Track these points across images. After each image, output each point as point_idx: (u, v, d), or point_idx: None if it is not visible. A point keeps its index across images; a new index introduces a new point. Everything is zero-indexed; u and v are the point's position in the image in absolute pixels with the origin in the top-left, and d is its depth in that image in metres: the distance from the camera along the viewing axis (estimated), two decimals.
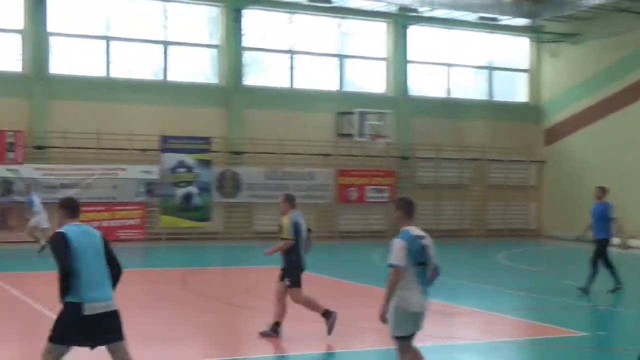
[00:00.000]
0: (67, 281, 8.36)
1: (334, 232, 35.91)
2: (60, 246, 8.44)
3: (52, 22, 32.49)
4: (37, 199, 26.85)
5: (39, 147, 31.62)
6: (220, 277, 23.66)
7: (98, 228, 30.66)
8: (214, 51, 35.79)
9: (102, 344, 8.64)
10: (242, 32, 35.56)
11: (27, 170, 30.92)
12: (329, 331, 13.27)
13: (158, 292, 19.47)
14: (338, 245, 33.16)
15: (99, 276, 8.56)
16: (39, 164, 31.42)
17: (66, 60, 33.14)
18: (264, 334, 13.40)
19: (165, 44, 34.67)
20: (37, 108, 31.92)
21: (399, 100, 38.36)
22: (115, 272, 8.85)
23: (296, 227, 13.41)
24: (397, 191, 36.93)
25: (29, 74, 32.08)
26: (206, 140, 34.00)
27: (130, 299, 17.93)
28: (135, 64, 34.38)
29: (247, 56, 36.32)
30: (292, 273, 13.45)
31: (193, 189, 33.43)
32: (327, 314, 13.33)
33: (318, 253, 31.15)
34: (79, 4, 33.23)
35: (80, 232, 8.65)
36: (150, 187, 32.94)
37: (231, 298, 18.25)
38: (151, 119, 33.24)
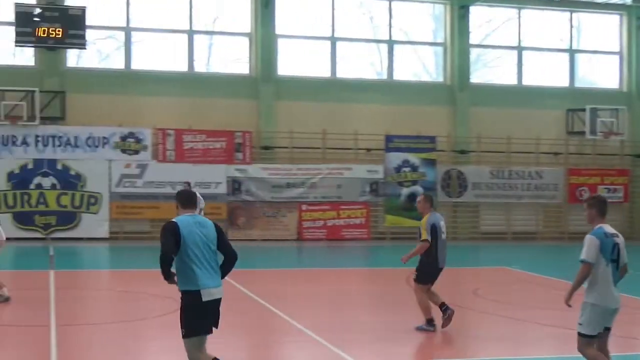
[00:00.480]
0: (167, 267, 8.66)
1: (563, 233, 34.53)
2: (169, 234, 8.74)
3: (280, 25, 32.97)
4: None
5: (266, 148, 32.15)
6: (445, 277, 23.03)
7: (323, 227, 31.13)
8: (439, 49, 35.27)
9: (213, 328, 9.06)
10: (469, 29, 34.86)
11: (255, 170, 31.55)
12: (443, 325, 13.53)
13: (382, 292, 19.18)
14: (568, 247, 31.82)
15: (210, 264, 8.91)
16: (266, 163, 31.96)
17: (293, 61, 33.53)
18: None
19: (390, 43, 34.45)
20: (265, 109, 32.48)
21: (634, 95, 36.49)
22: (230, 261, 9.21)
23: (433, 229, 13.55)
24: (632, 191, 35.24)
25: (256, 76, 32.71)
26: (431, 139, 33.52)
27: (355, 298, 17.73)
28: (360, 64, 34.37)
29: (473, 53, 35.59)
30: (421, 269, 13.77)
31: (418, 189, 33.02)
32: (443, 307, 13.63)
33: (546, 254, 30.27)
34: (305, 6, 33.55)
35: (193, 222, 8.93)
36: (374, 187, 32.82)
37: (456, 299, 17.64)
38: (376, 118, 33.17)
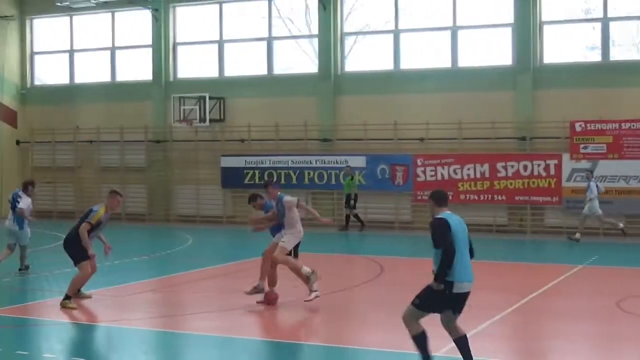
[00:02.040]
0: (451, 260, 9.42)
1: None
2: (444, 230, 9.53)
3: None
4: (594, 186, 26.61)
5: None
6: None
7: None
8: None
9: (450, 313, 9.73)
10: None
11: None
12: None
13: None
14: None
15: (466, 260, 9.70)
16: None
17: None
18: None
19: None
20: None
21: None
22: (471, 257, 9.87)
23: None
24: None
25: None
26: None
27: None
28: None
29: None
30: None
31: None
32: None
33: None
34: None
35: (457, 220, 9.76)
36: None
37: None
38: None
